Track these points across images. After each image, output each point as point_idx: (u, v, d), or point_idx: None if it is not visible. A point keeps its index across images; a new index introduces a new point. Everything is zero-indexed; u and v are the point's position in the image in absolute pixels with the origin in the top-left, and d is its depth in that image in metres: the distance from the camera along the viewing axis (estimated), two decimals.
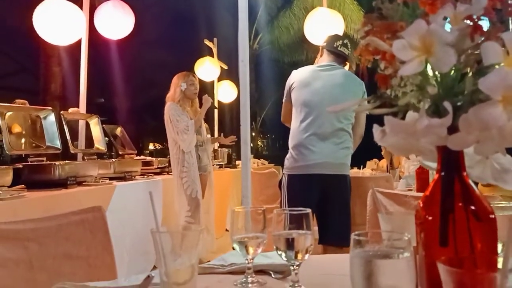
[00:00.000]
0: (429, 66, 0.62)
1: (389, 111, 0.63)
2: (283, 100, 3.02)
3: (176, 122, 3.95)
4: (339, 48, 2.93)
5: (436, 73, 0.61)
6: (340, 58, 2.95)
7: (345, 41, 2.97)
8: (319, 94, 2.81)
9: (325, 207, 2.74)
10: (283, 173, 2.94)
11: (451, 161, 0.63)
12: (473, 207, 0.63)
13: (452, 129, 0.56)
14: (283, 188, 2.87)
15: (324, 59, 2.97)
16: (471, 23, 0.57)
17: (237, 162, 7.17)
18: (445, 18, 0.61)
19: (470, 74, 0.61)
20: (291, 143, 2.88)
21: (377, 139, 0.62)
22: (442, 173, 0.64)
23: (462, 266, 0.55)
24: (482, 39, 0.58)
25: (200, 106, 4.25)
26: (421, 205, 0.65)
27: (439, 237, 0.61)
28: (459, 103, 0.59)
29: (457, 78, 0.60)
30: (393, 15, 0.65)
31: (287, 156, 2.90)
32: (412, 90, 0.63)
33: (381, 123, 0.66)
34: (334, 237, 2.72)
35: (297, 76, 2.92)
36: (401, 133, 0.58)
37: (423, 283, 0.64)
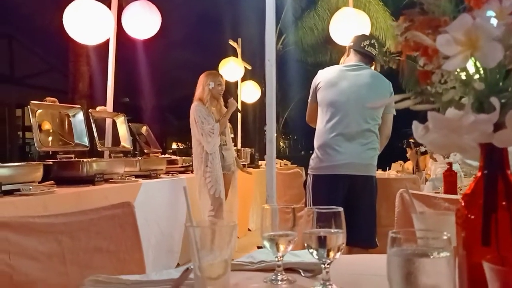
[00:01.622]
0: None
1: (431, 107, 0.62)
2: (309, 100, 2.99)
3: (202, 124, 3.96)
4: (366, 48, 2.90)
5: (480, 69, 0.60)
6: (367, 58, 2.92)
7: (372, 41, 2.95)
8: (346, 94, 2.78)
9: (351, 208, 2.68)
10: (307, 173, 2.92)
11: (494, 158, 0.61)
12: None
13: (498, 126, 0.55)
14: (308, 189, 2.85)
15: (351, 59, 2.95)
16: None
17: (260, 162, 7.17)
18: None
19: None
20: (316, 143, 2.85)
21: (418, 136, 0.61)
22: (485, 171, 0.62)
23: (505, 265, 0.53)
24: None
25: (225, 107, 4.26)
26: (463, 203, 0.64)
27: (481, 236, 0.60)
28: (503, 100, 0.58)
29: (502, 74, 0.59)
30: (435, 10, 0.64)
31: (312, 156, 2.88)
32: (454, 86, 0.62)
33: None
34: (359, 238, 2.67)
35: (323, 76, 2.90)
36: (444, 129, 0.57)
37: (464, 283, 0.63)
